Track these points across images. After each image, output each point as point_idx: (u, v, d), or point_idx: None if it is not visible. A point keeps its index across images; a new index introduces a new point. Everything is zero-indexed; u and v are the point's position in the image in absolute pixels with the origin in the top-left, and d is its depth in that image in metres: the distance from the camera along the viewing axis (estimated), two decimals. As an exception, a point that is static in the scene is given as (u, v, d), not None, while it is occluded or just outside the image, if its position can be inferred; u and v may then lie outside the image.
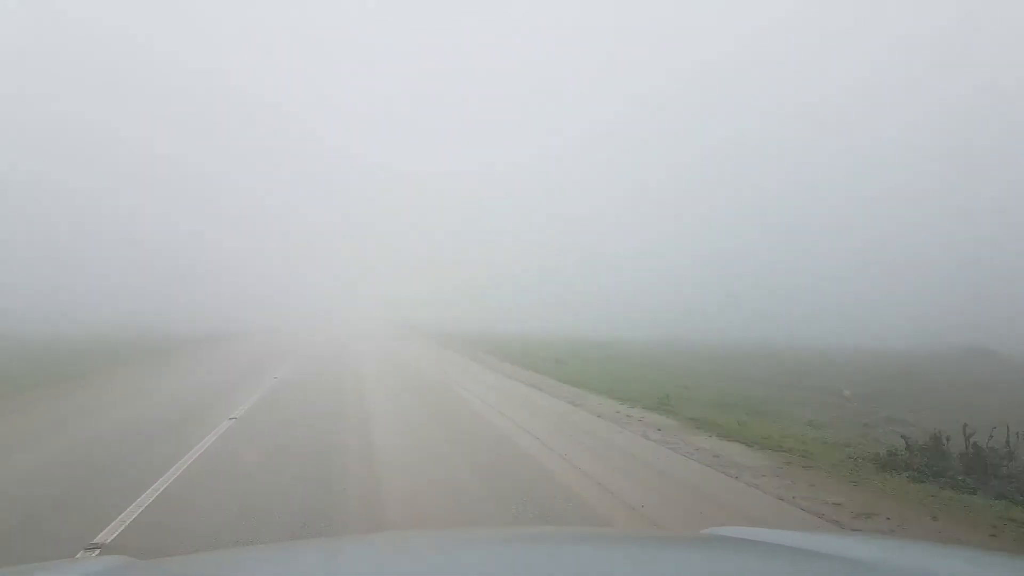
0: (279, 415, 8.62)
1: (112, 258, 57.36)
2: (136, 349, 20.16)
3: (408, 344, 27.56)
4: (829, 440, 7.96)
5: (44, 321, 30.26)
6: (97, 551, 3.71)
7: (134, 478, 5.23)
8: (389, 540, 2.23)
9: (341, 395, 10.79)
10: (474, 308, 67.00)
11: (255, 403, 9.51)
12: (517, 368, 16.46)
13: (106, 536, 3.98)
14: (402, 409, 9.55)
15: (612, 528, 4.28)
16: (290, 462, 5.98)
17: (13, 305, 33.23)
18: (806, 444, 7.33)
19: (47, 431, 7.42)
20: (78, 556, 3.59)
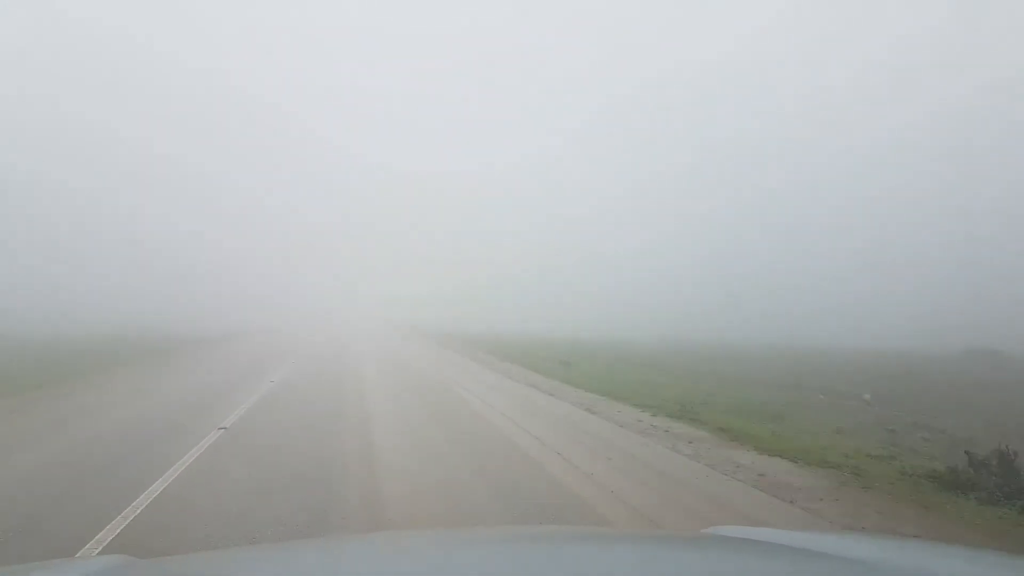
0: (279, 415, 8.64)
1: (112, 258, 57.51)
2: (136, 349, 20.14)
3: (408, 344, 27.58)
4: (871, 452, 7.32)
5: (44, 321, 30.29)
6: (97, 550, 3.72)
7: (134, 478, 5.23)
8: (389, 540, 2.23)
9: (341, 395, 10.80)
10: (474, 308, 67.08)
11: (255, 403, 9.51)
12: (525, 370, 16.25)
13: (106, 536, 3.98)
14: (402, 409, 9.56)
15: (612, 527, 4.27)
16: (291, 462, 6.01)
17: (13, 305, 33.27)
18: (849, 457, 6.79)
19: (47, 431, 7.42)
20: (78, 556, 3.59)
